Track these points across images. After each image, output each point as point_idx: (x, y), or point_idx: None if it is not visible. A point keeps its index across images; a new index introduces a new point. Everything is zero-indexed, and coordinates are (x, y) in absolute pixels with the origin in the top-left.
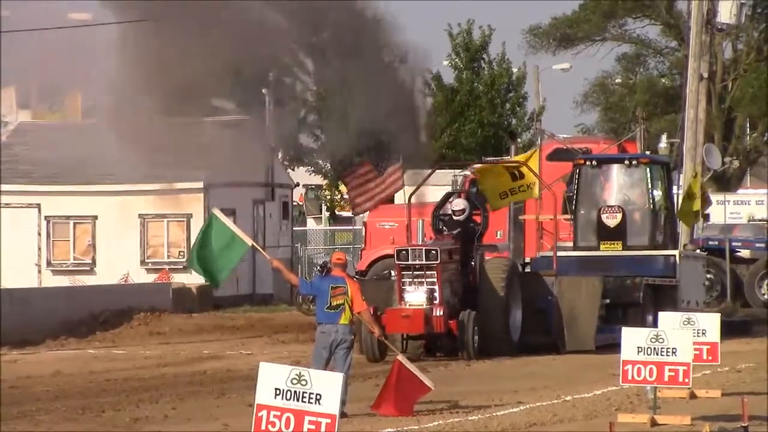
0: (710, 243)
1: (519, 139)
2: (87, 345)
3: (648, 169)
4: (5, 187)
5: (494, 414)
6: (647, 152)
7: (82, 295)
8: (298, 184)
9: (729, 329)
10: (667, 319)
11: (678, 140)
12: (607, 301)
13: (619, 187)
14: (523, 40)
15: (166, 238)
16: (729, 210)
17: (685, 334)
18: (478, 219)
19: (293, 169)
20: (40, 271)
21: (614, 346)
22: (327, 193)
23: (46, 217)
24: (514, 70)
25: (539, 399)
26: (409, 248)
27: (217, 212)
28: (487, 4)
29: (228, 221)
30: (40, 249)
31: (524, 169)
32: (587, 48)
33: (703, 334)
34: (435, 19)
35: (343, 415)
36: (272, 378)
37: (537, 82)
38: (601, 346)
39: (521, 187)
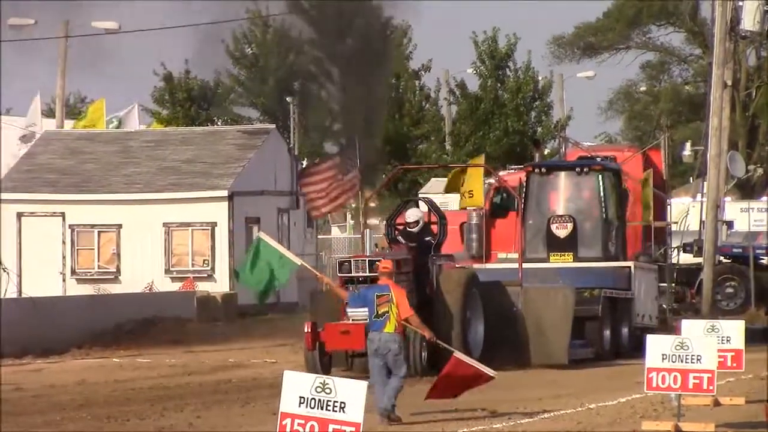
0: (734, 250)
1: (544, 147)
2: (112, 354)
3: (600, 177)
4: (30, 196)
5: (519, 422)
6: (598, 158)
7: (107, 304)
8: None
9: (753, 336)
10: (691, 326)
11: (702, 148)
12: None
13: (570, 196)
14: (547, 51)
15: (191, 247)
16: (753, 217)
17: (709, 342)
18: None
19: None
20: (64, 280)
21: (583, 361)
22: (351, 201)
23: (70, 225)
24: (540, 78)
25: (563, 407)
26: (352, 259)
27: (263, 236)
28: (512, 12)
29: (274, 243)
30: (64, 257)
31: (470, 178)
32: (611, 56)
33: (727, 341)
34: (460, 26)
35: (396, 419)
36: (297, 386)
37: (561, 91)
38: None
39: (462, 194)
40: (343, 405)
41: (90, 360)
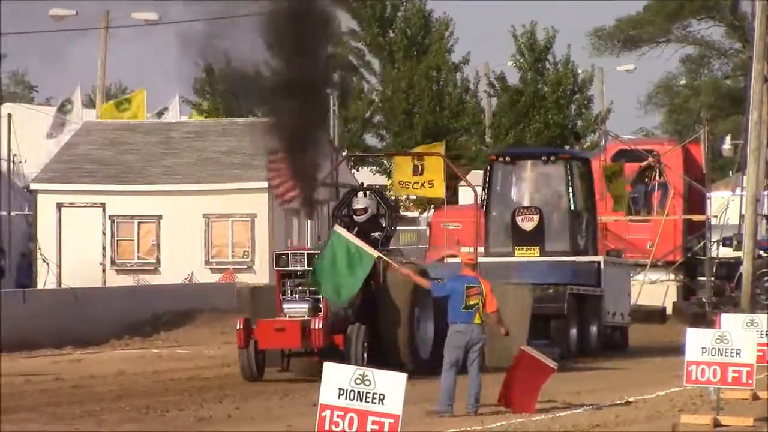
0: None
1: (583, 140)
2: (151, 345)
3: (568, 166)
4: (70, 186)
5: (557, 415)
6: (566, 147)
7: (146, 295)
8: (362, 184)
9: None
10: (731, 320)
11: (742, 142)
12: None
13: (536, 187)
14: (587, 42)
15: (231, 238)
16: None
17: (749, 336)
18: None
19: (357, 170)
20: (104, 271)
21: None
22: (391, 193)
23: (110, 216)
24: (580, 72)
25: (601, 400)
26: (289, 252)
27: (338, 229)
28: (553, 5)
29: (351, 236)
30: (104, 248)
31: (429, 167)
32: (651, 50)
33: (766, 335)
34: (499, 19)
35: (476, 411)
36: (336, 378)
37: (602, 84)
38: None
39: (422, 184)
40: (382, 397)
41: (129, 351)
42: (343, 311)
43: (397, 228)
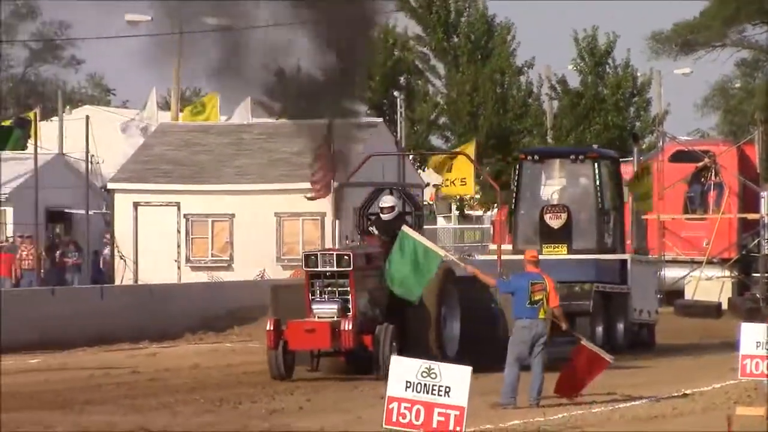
0: None
1: (642, 141)
2: (224, 339)
3: (596, 165)
4: (146, 186)
5: (617, 407)
6: (594, 146)
7: (220, 291)
8: (428, 184)
9: None
10: None
11: None
12: None
13: (564, 185)
14: (645, 46)
15: (301, 236)
16: None
17: None
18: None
19: (423, 170)
20: (179, 268)
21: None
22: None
23: (185, 215)
24: (638, 75)
25: (658, 393)
26: (319, 253)
27: (406, 229)
28: (612, 10)
29: (418, 236)
30: (179, 246)
31: (457, 165)
32: (708, 53)
33: None
34: (561, 24)
35: (538, 403)
36: (403, 371)
37: (659, 87)
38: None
39: (452, 181)
40: (448, 389)
41: (203, 345)
42: (371, 311)
43: (424, 226)
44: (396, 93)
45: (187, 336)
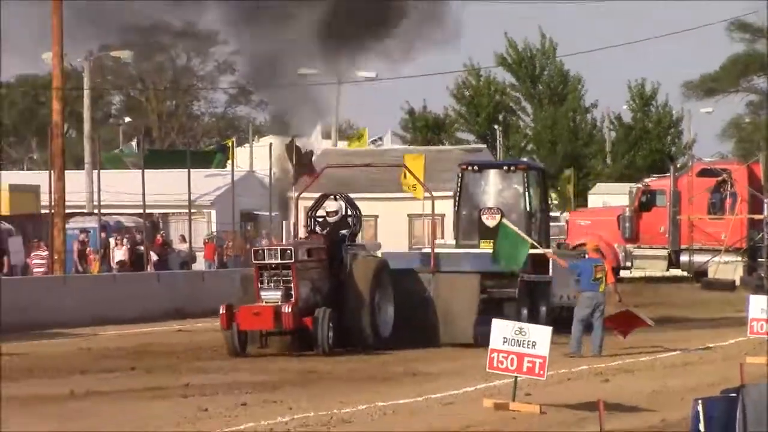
0: None
1: (676, 162)
2: None
3: (525, 175)
4: (314, 194)
5: (658, 356)
6: (524, 159)
7: None
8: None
9: None
10: None
11: None
12: (485, 296)
13: (498, 191)
14: (679, 92)
15: (427, 232)
16: None
17: None
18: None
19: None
20: None
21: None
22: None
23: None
24: (674, 112)
25: (689, 346)
26: (265, 248)
27: (505, 221)
28: (655, 62)
29: (513, 227)
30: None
31: (410, 174)
32: (725, 97)
33: None
34: (616, 73)
35: (600, 353)
36: (501, 330)
37: (689, 121)
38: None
39: (409, 186)
40: (534, 343)
41: None
42: (313, 297)
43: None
44: (496, 126)
45: None
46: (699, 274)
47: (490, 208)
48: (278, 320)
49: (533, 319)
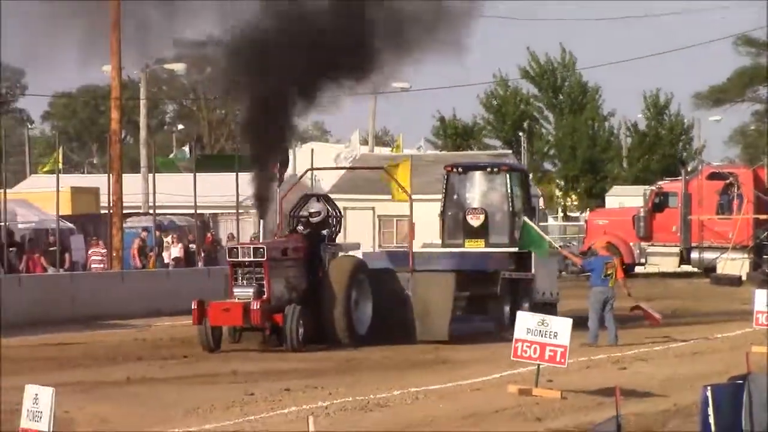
0: None
1: (687, 166)
2: None
3: (508, 176)
4: (351, 196)
5: (670, 346)
6: (508, 161)
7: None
8: (541, 195)
9: None
10: None
11: None
12: (468, 293)
13: (483, 192)
14: (690, 101)
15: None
16: None
17: None
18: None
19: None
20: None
21: (475, 335)
22: (560, 199)
23: (378, 216)
24: (685, 120)
25: (699, 336)
26: (239, 246)
27: (526, 219)
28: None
29: (534, 225)
30: (374, 238)
31: (398, 177)
32: (732, 106)
33: None
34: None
35: (615, 342)
36: (526, 322)
37: (699, 129)
38: (462, 335)
39: (395, 190)
40: (555, 334)
41: None
42: (288, 295)
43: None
44: (521, 133)
45: None
46: (708, 270)
47: (475, 209)
48: (247, 316)
49: (515, 315)
